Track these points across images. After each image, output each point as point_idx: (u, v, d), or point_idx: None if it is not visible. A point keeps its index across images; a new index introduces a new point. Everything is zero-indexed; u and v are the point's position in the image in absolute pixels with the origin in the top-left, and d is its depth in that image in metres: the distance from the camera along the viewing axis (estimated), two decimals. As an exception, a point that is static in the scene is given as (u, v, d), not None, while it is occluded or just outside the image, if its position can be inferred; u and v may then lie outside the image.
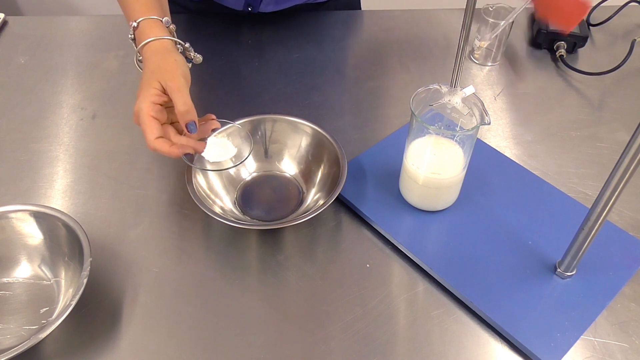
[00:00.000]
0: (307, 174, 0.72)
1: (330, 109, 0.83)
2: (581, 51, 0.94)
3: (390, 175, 0.70)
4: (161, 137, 0.60)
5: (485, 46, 0.91)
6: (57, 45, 0.94)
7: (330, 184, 0.66)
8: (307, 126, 0.71)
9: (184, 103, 0.60)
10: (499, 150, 0.76)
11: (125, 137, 0.78)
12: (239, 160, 0.67)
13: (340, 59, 0.93)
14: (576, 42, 0.91)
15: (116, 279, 0.62)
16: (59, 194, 0.71)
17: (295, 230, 0.67)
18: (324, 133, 0.70)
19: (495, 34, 0.88)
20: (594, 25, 0.98)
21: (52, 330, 0.51)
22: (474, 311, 0.59)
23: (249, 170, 0.73)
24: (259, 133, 0.73)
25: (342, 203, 0.70)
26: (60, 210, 0.60)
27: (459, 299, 0.60)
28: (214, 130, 0.66)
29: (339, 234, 0.67)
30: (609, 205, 0.51)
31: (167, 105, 0.62)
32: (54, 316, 0.58)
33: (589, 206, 0.54)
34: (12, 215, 0.61)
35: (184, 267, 0.64)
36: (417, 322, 0.59)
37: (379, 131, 0.79)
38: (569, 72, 0.90)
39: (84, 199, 0.71)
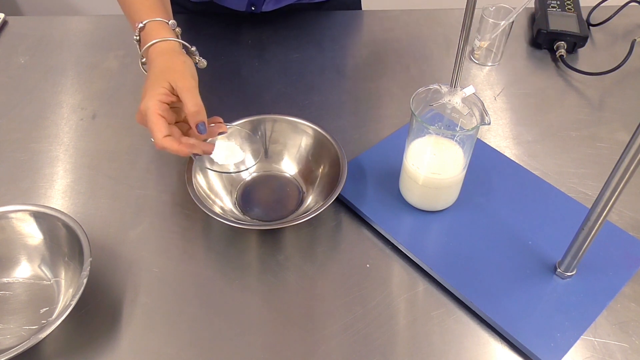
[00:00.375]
0: (307, 174, 0.72)
1: (330, 109, 0.83)
2: (581, 51, 0.94)
3: (390, 175, 0.70)
4: (169, 135, 0.60)
5: (485, 46, 0.91)
6: (57, 45, 0.94)
7: (330, 184, 0.66)
8: (307, 126, 0.71)
9: (195, 103, 0.60)
10: (499, 150, 0.76)
11: (125, 137, 0.78)
12: (245, 165, 0.67)
13: (340, 59, 0.93)
14: (576, 42, 0.91)
15: (116, 279, 0.62)
16: (59, 194, 0.71)
17: (295, 230, 0.67)
18: (324, 133, 0.70)
19: (495, 34, 0.88)
20: (594, 25, 0.98)
21: (52, 330, 0.51)
22: (474, 311, 0.59)
23: (249, 170, 0.73)
24: (259, 133, 0.73)
25: (342, 203, 0.70)
26: (60, 210, 0.60)
27: (459, 299, 0.60)
28: (220, 133, 0.66)
29: (339, 234, 0.67)
30: (609, 205, 0.51)
31: (172, 106, 0.62)
32: (54, 316, 0.58)
33: (589, 206, 0.54)
34: (12, 215, 0.61)
35: (184, 267, 0.64)
36: (417, 322, 0.59)
37: (379, 131, 0.79)
38: (569, 72, 0.89)
39: (84, 199, 0.71)
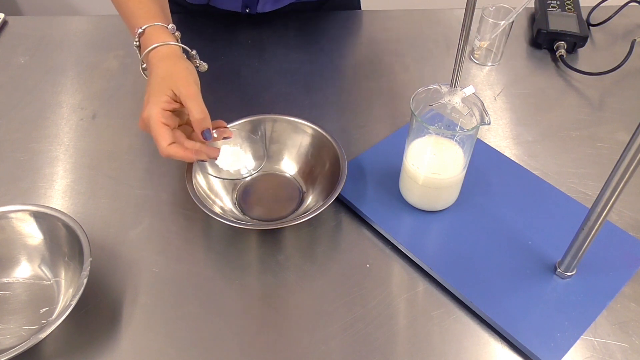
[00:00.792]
0: (307, 174, 0.72)
1: (330, 109, 0.83)
2: (581, 51, 0.94)
3: (390, 175, 0.70)
4: (173, 142, 0.60)
5: (485, 46, 0.91)
6: (57, 45, 0.94)
7: (330, 184, 0.66)
8: (307, 126, 0.71)
9: (200, 111, 0.60)
10: (499, 150, 0.76)
11: (125, 137, 0.78)
12: (251, 170, 0.67)
13: (340, 58, 0.93)
14: (576, 42, 0.91)
15: (116, 279, 0.62)
16: (59, 194, 0.71)
17: (295, 230, 0.67)
18: (324, 133, 0.70)
19: (495, 34, 0.88)
20: (594, 25, 0.98)
21: (52, 330, 0.51)
22: (474, 311, 0.59)
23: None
24: (259, 133, 0.73)
25: (342, 203, 0.70)
26: (60, 210, 0.60)
27: (459, 299, 0.60)
28: (225, 138, 0.66)
29: (339, 234, 0.67)
30: (609, 205, 0.51)
31: (175, 112, 0.62)
32: (54, 316, 0.58)
33: (589, 206, 0.54)
34: (12, 215, 0.61)
35: (184, 267, 0.64)
36: (417, 322, 0.59)
37: (379, 131, 0.79)
38: (569, 72, 0.89)
39: (84, 199, 0.71)
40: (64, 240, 0.60)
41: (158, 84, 0.61)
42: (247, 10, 0.94)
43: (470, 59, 0.93)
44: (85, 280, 0.54)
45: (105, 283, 0.62)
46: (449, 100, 0.60)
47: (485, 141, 0.77)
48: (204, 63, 0.70)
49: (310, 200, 0.69)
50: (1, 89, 0.86)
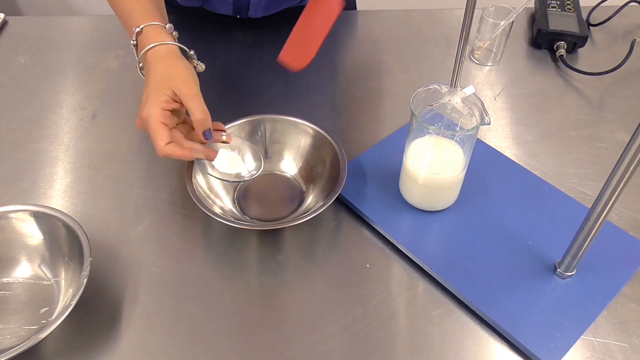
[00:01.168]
0: (307, 174, 0.72)
1: (330, 109, 0.83)
2: (581, 51, 0.94)
3: (390, 175, 0.70)
4: (171, 142, 0.60)
5: (485, 46, 0.91)
6: (57, 45, 0.94)
7: (330, 184, 0.66)
8: (307, 126, 0.71)
9: (202, 111, 0.60)
10: (499, 150, 0.76)
11: (125, 137, 0.78)
12: (252, 172, 0.67)
13: (340, 58, 0.93)
14: (576, 42, 0.91)
15: (116, 279, 0.62)
16: (59, 194, 0.71)
17: (295, 230, 0.67)
18: (324, 133, 0.70)
19: (495, 34, 0.88)
20: (594, 25, 0.98)
21: (52, 330, 0.51)
22: (474, 311, 0.59)
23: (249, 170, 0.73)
24: (259, 133, 0.73)
25: (342, 203, 0.70)
26: (60, 210, 0.60)
27: (459, 299, 0.60)
28: (223, 143, 0.66)
29: (339, 234, 0.67)
30: (609, 205, 0.51)
31: (174, 111, 0.62)
32: (54, 316, 0.58)
33: (589, 206, 0.54)
34: (12, 215, 0.61)
35: (184, 267, 0.64)
36: (417, 322, 0.59)
37: (379, 131, 0.79)
38: (569, 72, 0.89)
39: (84, 199, 0.71)
40: (64, 240, 0.60)
41: (157, 84, 0.61)
42: (238, 17, 0.94)
43: (470, 59, 0.93)
44: (85, 280, 0.54)
45: (105, 283, 0.62)
46: (449, 100, 0.60)
47: (485, 141, 0.77)
48: (201, 63, 0.70)
49: (310, 200, 0.69)
50: (1, 89, 0.86)
